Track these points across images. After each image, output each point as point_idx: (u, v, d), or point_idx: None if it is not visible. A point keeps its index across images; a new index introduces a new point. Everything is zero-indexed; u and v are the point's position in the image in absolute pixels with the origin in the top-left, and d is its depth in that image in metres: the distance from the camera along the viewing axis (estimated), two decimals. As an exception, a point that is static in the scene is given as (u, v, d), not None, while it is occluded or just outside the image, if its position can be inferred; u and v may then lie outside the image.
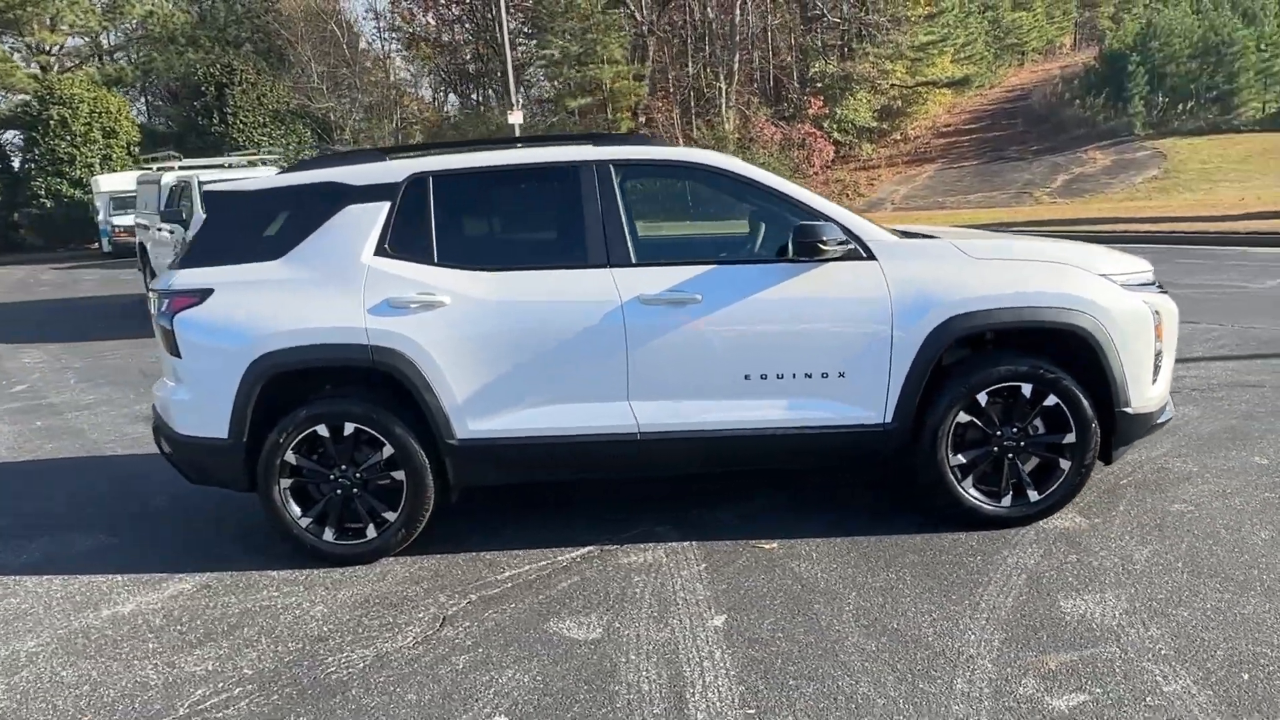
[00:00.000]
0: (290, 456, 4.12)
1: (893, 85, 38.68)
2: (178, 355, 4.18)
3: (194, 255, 4.29)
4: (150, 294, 4.44)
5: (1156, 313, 4.13)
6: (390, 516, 4.16)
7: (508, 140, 4.75)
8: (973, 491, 4.13)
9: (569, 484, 4.95)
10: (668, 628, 3.47)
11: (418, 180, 4.21)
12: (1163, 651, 3.11)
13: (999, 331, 4.12)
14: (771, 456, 4.28)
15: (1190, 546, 3.89)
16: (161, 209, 12.56)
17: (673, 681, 3.10)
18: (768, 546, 4.15)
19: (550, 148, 4.45)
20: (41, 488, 5.68)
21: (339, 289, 4.10)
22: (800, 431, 4.10)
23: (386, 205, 4.18)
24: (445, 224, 4.18)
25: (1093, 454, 4.09)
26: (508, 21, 25.31)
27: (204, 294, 4.15)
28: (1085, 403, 4.03)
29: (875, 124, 37.73)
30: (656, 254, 4.32)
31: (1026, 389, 4.04)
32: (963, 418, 4.07)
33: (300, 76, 35.25)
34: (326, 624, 3.67)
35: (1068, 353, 4.08)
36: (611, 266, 4.09)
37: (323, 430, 4.10)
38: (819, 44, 38.99)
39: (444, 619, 3.65)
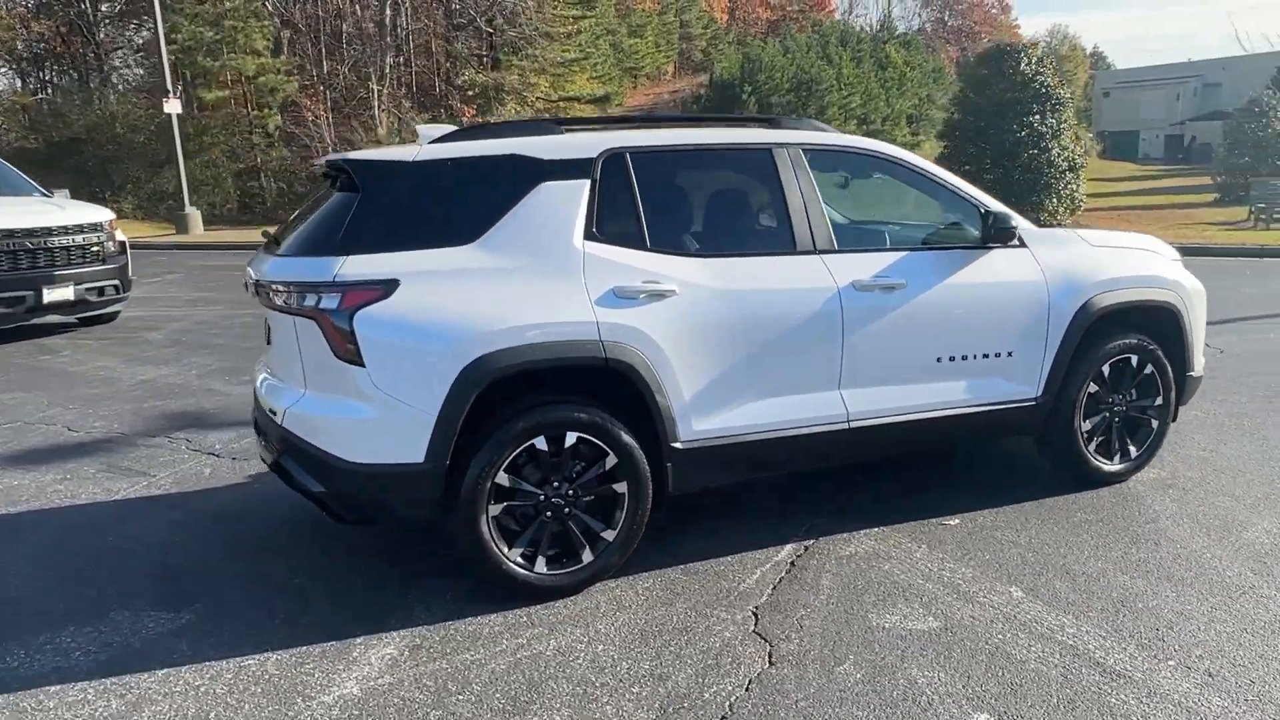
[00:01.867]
0: (503, 477, 3.47)
1: (538, 98, 39.85)
2: (358, 363, 3.32)
3: (357, 238, 3.42)
4: (282, 286, 3.43)
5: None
6: (609, 536, 3.67)
7: (671, 118, 4.38)
8: (1097, 454, 4.63)
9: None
10: (987, 606, 3.50)
11: (615, 157, 3.76)
12: (1367, 561, 3.81)
13: (1113, 310, 4.65)
14: (948, 437, 4.45)
15: (1267, 478, 4.73)
16: None
17: (1069, 650, 3.17)
18: (952, 523, 4.30)
19: (731, 129, 4.21)
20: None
21: (556, 278, 3.54)
22: (976, 411, 4.31)
23: (586, 183, 3.69)
24: (651, 205, 3.79)
25: (1173, 413, 4.79)
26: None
27: (389, 286, 3.36)
28: (1170, 369, 4.71)
29: (525, 135, 38.54)
30: (851, 240, 4.28)
31: (1135, 359, 4.62)
32: (1091, 388, 4.55)
33: None
34: (638, 662, 3.17)
35: (1153, 326, 4.73)
36: (819, 253, 3.99)
37: (541, 443, 3.51)
38: (464, 52, 38.95)
39: (758, 634, 3.34)
